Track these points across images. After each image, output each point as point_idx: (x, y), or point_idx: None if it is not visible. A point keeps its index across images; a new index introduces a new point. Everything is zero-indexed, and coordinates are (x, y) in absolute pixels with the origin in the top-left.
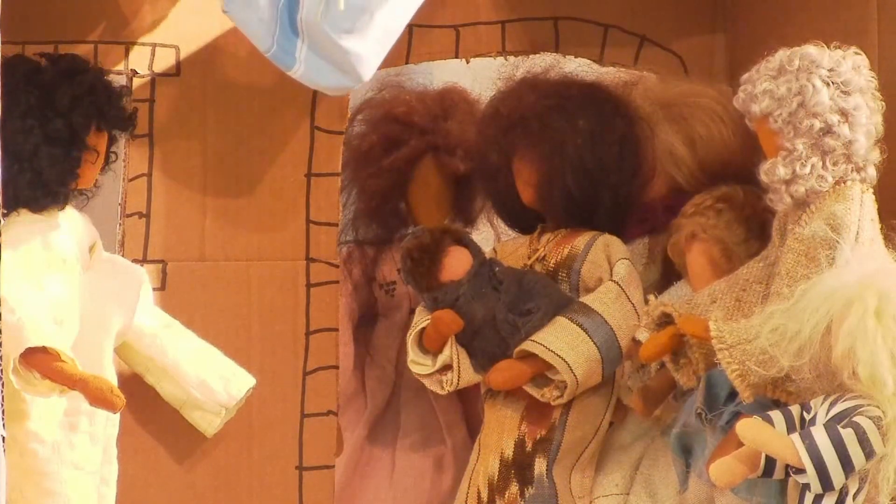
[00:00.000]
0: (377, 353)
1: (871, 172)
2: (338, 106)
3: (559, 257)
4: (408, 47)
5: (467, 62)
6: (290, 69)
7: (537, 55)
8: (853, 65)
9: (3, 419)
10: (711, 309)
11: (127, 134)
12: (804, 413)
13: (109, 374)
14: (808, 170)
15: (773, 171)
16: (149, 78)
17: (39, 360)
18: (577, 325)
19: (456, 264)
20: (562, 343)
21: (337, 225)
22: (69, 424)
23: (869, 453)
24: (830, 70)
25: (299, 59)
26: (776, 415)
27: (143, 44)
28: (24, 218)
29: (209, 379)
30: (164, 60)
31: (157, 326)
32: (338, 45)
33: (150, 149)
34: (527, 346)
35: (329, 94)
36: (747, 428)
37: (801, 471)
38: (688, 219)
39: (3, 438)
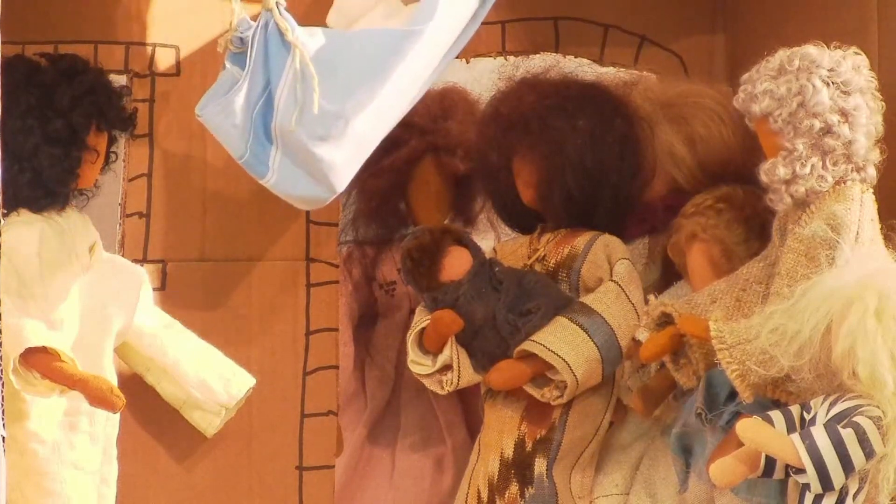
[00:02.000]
0: (377, 353)
1: (871, 172)
2: None
3: (559, 257)
4: None
5: (467, 62)
6: (262, 178)
7: (537, 55)
8: (853, 65)
9: (3, 419)
10: (711, 309)
11: (127, 134)
12: (804, 413)
13: (109, 374)
14: (808, 170)
15: (773, 171)
16: (149, 78)
17: (39, 360)
18: (578, 325)
19: (456, 264)
20: (562, 343)
21: (337, 225)
22: (69, 424)
23: (869, 453)
24: (830, 70)
25: (272, 168)
26: (776, 415)
27: (143, 44)
28: (24, 218)
29: (209, 379)
30: (164, 60)
31: (157, 326)
32: (311, 153)
33: (150, 149)
34: (527, 346)
35: (301, 208)
36: (747, 428)
37: (801, 471)
38: (688, 219)
39: (3, 438)
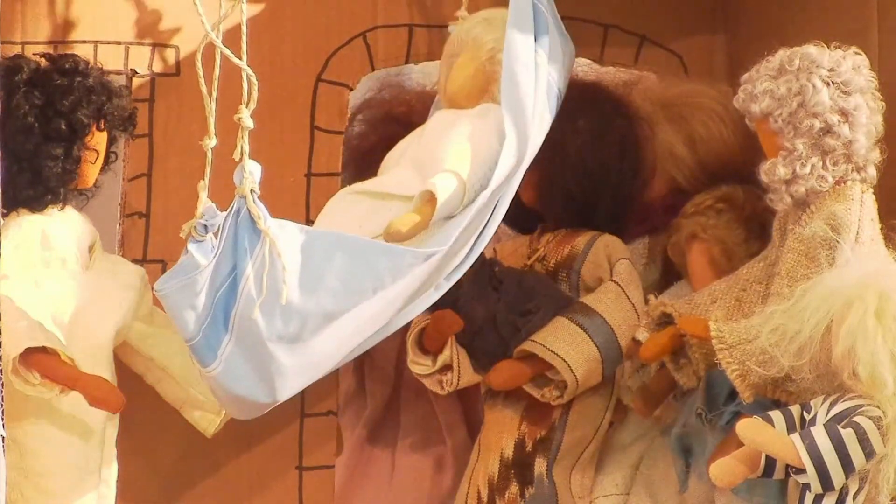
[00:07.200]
0: (377, 353)
1: (872, 172)
2: (337, 106)
3: (559, 257)
4: (408, 47)
5: None
6: (207, 366)
7: None
8: (853, 65)
9: (2, 419)
10: (711, 309)
11: (127, 134)
12: (804, 413)
13: (109, 374)
14: (808, 170)
15: (773, 171)
16: (149, 78)
17: (39, 360)
18: (578, 325)
19: None
20: (562, 343)
21: None
22: (69, 424)
23: (869, 453)
24: (830, 70)
25: (220, 358)
26: (776, 415)
27: (143, 44)
28: (24, 217)
29: None
30: (164, 60)
31: (158, 326)
32: (266, 348)
33: (150, 149)
34: (527, 346)
35: (229, 411)
36: (747, 428)
37: (801, 471)
38: (688, 219)
39: (3, 438)
